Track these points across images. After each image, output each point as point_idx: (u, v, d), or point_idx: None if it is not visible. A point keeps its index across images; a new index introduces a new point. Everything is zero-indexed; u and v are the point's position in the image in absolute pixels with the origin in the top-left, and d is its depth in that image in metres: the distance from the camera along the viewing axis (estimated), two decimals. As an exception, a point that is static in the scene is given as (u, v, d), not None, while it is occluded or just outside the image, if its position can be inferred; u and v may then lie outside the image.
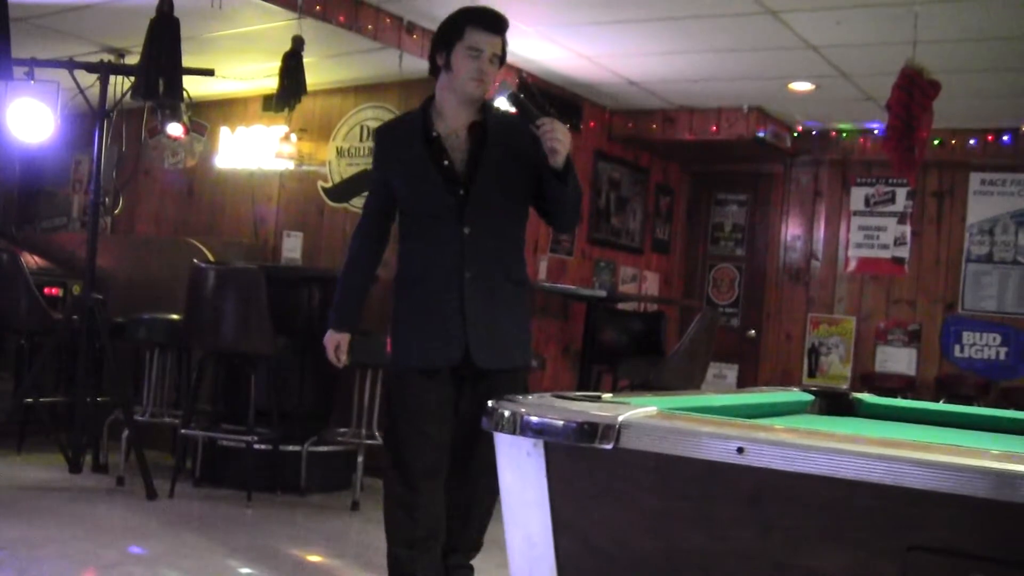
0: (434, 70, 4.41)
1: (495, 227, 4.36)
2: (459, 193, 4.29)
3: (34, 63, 6.88)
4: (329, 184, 8.65)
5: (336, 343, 4.56)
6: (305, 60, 7.08)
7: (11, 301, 7.57)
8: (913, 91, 6.47)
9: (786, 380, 9.80)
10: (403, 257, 4.47)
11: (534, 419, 2.16)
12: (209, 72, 7.00)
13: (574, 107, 9.17)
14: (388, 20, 7.30)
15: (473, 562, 4.78)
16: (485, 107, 4.40)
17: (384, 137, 4.58)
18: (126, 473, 6.89)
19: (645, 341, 8.50)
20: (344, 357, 4.57)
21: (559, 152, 4.07)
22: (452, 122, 4.37)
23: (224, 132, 9.30)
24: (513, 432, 2.18)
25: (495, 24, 4.32)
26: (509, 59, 8.12)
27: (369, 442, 6.86)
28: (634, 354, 8.41)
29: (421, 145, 4.35)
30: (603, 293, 8.77)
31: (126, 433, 6.91)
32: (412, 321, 4.38)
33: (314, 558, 5.31)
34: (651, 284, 10.50)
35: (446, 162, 4.33)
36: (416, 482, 4.33)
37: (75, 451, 7.04)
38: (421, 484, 4.33)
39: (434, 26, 7.35)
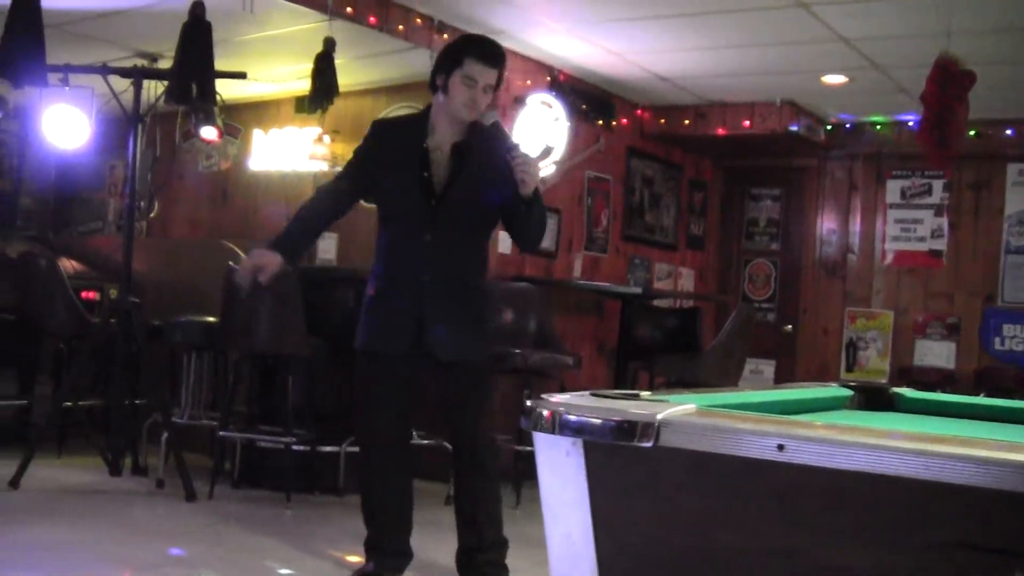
0: (433, 88, 4.74)
1: (456, 238, 4.74)
2: (430, 203, 4.66)
3: (68, 69, 6.92)
4: (362, 185, 8.65)
5: (264, 259, 4.70)
6: (336, 61, 7.11)
7: (49, 305, 7.61)
8: (947, 82, 6.43)
9: (823, 375, 9.75)
10: (376, 252, 4.85)
11: (573, 418, 2.16)
12: (241, 75, 7.02)
13: (605, 104, 9.15)
14: (419, 20, 7.32)
15: (511, 560, 4.85)
16: (471, 128, 4.71)
17: (381, 133, 4.95)
18: (165, 475, 6.91)
19: (681, 338, 8.48)
20: (263, 277, 4.72)
21: (527, 184, 4.45)
22: (440, 138, 4.73)
23: (257, 134, 9.34)
24: (552, 431, 2.17)
25: (492, 58, 4.66)
26: (540, 57, 8.19)
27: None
28: (670, 351, 8.40)
29: (411, 153, 4.71)
30: (638, 290, 8.77)
31: (165, 435, 6.94)
32: (373, 310, 4.81)
33: (353, 558, 5.32)
34: (686, 280, 10.48)
35: (426, 174, 4.68)
36: (369, 451, 4.93)
37: (114, 454, 7.07)
38: (373, 453, 4.88)
39: (463, 25, 7.46)
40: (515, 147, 4.48)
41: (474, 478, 4.82)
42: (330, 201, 4.96)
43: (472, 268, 4.82)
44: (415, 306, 4.67)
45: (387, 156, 4.80)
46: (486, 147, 4.61)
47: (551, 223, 8.60)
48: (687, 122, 9.58)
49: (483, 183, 4.66)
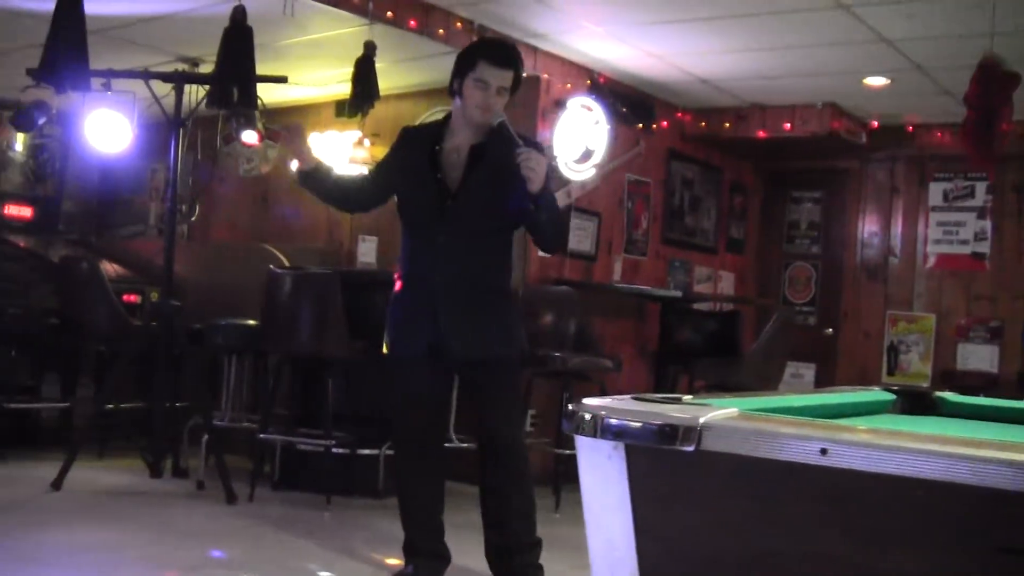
0: (451, 92, 4.81)
1: (471, 240, 4.76)
2: (444, 205, 4.71)
3: (111, 74, 6.97)
4: (402, 188, 8.66)
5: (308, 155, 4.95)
6: (377, 65, 7.12)
7: (90, 308, 7.66)
8: (991, 83, 6.38)
9: (865, 379, 9.69)
10: (400, 255, 4.95)
11: (614, 421, 2.15)
12: (282, 79, 7.05)
13: (645, 107, 9.13)
14: (459, 24, 7.32)
15: (552, 564, 4.87)
16: (490, 131, 4.70)
17: (404, 139, 5.00)
18: (206, 477, 6.95)
19: (721, 341, 8.46)
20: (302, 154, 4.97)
21: (532, 180, 4.44)
22: (458, 141, 4.79)
23: (297, 138, 9.35)
24: (593, 435, 2.17)
25: (503, 60, 4.71)
26: (581, 60, 8.20)
27: (447, 446, 6.86)
28: (710, 354, 8.37)
29: (426, 156, 4.78)
30: (678, 293, 8.75)
31: (205, 438, 6.98)
32: (394, 313, 4.91)
33: (392, 561, 5.32)
34: (726, 284, 10.44)
35: (439, 175, 4.75)
36: (402, 453, 5.04)
37: (155, 456, 7.10)
38: (405, 455, 5.00)
39: (504, 28, 7.47)
40: (520, 144, 4.49)
41: (500, 478, 4.82)
42: (344, 189, 5.11)
43: (489, 269, 4.83)
44: (431, 307, 4.72)
45: (406, 160, 4.89)
46: (502, 149, 4.61)
47: (591, 226, 8.60)
48: (727, 125, 9.55)
49: (497, 184, 4.67)
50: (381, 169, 5.04)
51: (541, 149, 4.60)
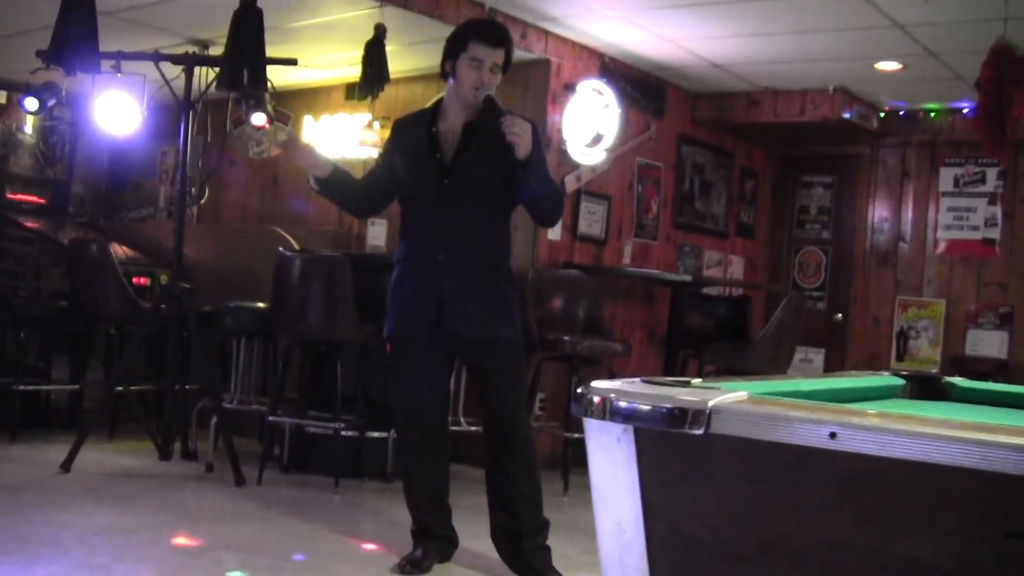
0: (444, 75, 4.88)
1: (471, 216, 4.80)
2: (443, 183, 4.75)
3: (121, 56, 6.97)
4: (412, 171, 8.65)
5: (315, 154, 4.96)
6: (387, 48, 7.11)
7: (101, 291, 7.69)
8: (1004, 69, 6.35)
9: (874, 364, 9.69)
10: (399, 239, 5.02)
11: (624, 404, 2.15)
12: (292, 62, 7.05)
13: (657, 91, 9.12)
14: (469, 7, 7.30)
15: (561, 548, 4.87)
16: (479, 109, 4.74)
17: (398, 127, 5.08)
18: (215, 460, 6.96)
19: (731, 326, 8.46)
20: (292, 147, 5.01)
21: (517, 145, 4.47)
22: (452, 121, 4.84)
23: (307, 121, 9.36)
24: (603, 418, 2.17)
25: (495, 38, 4.78)
26: (592, 43, 8.18)
27: (455, 429, 6.88)
28: (720, 339, 8.37)
29: (423, 138, 4.84)
30: (688, 278, 8.73)
31: (214, 420, 6.99)
32: (395, 295, 4.95)
33: (401, 545, 5.33)
34: (736, 268, 10.43)
35: (438, 155, 4.80)
36: (405, 435, 5.04)
37: (165, 438, 7.13)
38: (409, 438, 5.01)
39: (516, 12, 7.45)
40: (503, 112, 4.54)
41: (505, 460, 4.83)
42: (360, 192, 5.11)
43: (490, 247, 4.85)
44: (433, 286, 4.76)
45: (402, 146, 4.95)
46: (492, 124, 4.62)
47: (600, 209, 8.59)
48: (739, 109, 9.52)
49: (491, 158, 4.69)
50: (383, 161, 5.07)
51: (527, 119, 4.59)
